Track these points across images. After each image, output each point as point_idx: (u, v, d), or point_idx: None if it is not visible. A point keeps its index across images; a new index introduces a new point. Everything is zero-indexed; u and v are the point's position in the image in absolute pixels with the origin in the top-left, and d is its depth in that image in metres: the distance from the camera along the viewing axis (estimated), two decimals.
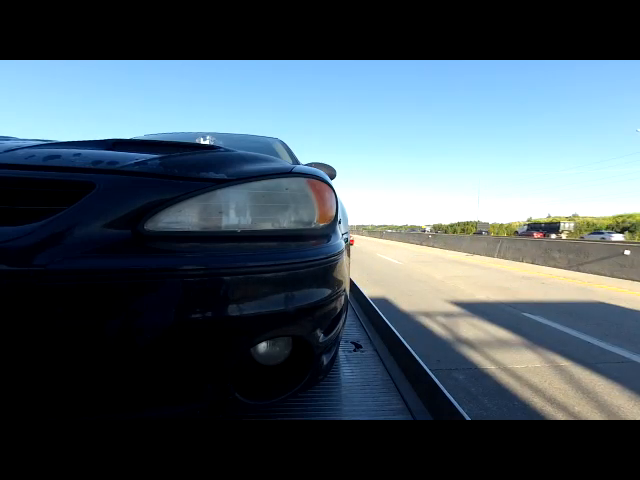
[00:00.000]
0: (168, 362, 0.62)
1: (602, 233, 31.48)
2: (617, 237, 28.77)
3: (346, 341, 1.46)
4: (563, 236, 30.07)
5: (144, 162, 0.68)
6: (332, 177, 1.69)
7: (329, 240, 0.81)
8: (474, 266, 10.19)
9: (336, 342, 0.90)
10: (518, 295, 5.77)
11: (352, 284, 2.32)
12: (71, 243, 0.56)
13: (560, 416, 2.11)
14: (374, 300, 2.05)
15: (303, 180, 0.79)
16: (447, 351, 3.17)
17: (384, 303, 5.02)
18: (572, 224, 37.42)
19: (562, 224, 35.59)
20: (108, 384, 0.61)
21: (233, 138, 2.32)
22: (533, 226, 38.93)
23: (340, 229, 0.95)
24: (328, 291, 0.76)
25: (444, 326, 3.94)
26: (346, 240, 1.13)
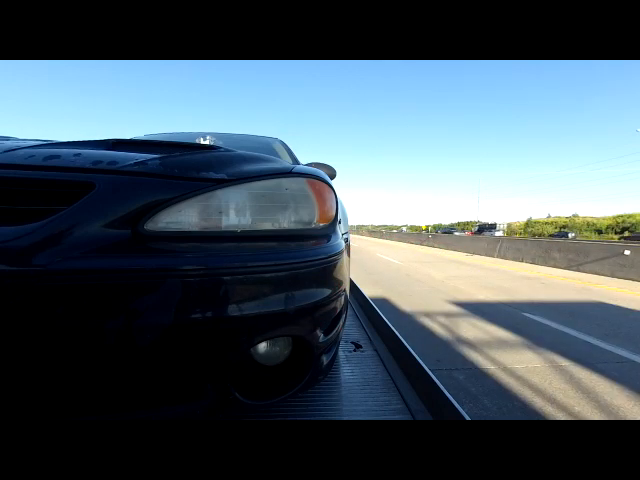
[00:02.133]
0: (168, 362, 0.62)
1: (491, 230, 41.30)
2: (498, 233, 37.78)
3: (346, 341, 1.46)
4: (500, 233, 39.63)
5: (144, 162, 0.68)
6: (332, 177, 1.69)
7: (329, 240, 0.81)
8: (474, 266, 10.19)
9: (336, 342, 0.90)
10: (518, 295, 5.77)
11: (352, 284, 2.32)
12: (71, 243, 0.56)
13: (560, 416, 2.11)
14: (374, 300, 2.05)
15: (303, 180, 0.79)
16: (447, 351, 3.17)
17: (384, 303, 5.02)
18: (505, 224, 50.89)
19: (498, 224, 48.09)
20: (108, 384, 0.61)
21: (233, 138, 2.32)
22: (480, 227, 49.60)
23: (340, 229, 0.95)
24: (328, 291, 0.76)
25: (444, 326, 3.94)
26: (346, 240, 1.13)
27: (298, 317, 0.70)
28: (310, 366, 0.78)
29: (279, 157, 1.81)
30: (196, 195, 0.67)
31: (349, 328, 1.66)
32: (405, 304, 5.00)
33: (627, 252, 7.91)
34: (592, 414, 2.13)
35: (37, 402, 0.59)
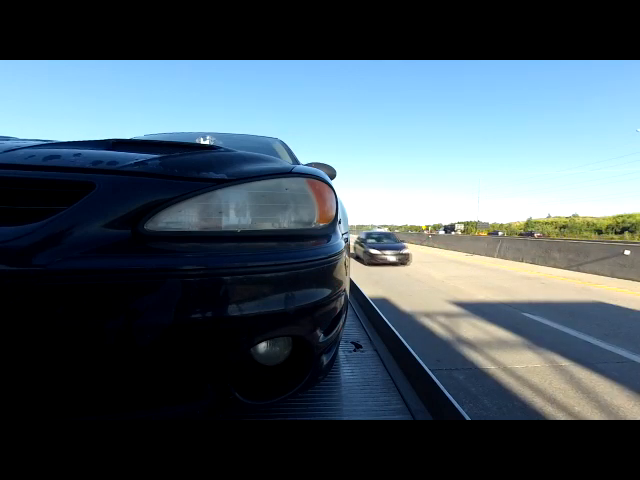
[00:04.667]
0: (168, 362, 0.62)
1: (437, 230, 49.76)
2: (441, 232, 42.99)
3: (346, 341, 1.46)
4: (459, 232, 45.47)
5: (144, 162, 0.68)
6: (332, 177, 1.69)
7: (329, 240, 0.81)
8: (474, 266, 10.19)
9: (336, 342, 0.90)
10: (518, 295, 5.78)
11: (352, 284, 2.32)
12: (71, 243, 0.56)
13: (560, 416, 2.11)
14: (374, 300, 2.05)
15: (303, 180, 0.79)
16: (447, 351, 3.18)
17: (384, 303, 5.02)
18: (462, 226, 57.70)
19: (456, 225, 55.19)
20: (108, 384, 0.61)
21: (233, 138, 2.32)
22: (446, 227, 56.37)
23: (340, 229, 0.95)
24: (328, 291, 0.76)
25: (444, 326, 3.94)
26: (346, 240, 1.13)
27: (298, 317, 0.70)
28: (310, 366, 0.78)
29: (279, 157, 1.81)
30: (196, 195, 0.67)
31: (349, 328, 1.66)
32: (405, 304, 5.00)
33: (627, 252, 7.91)
34: (592, 414, 2.13)
35: (37, 402, 0.59)
